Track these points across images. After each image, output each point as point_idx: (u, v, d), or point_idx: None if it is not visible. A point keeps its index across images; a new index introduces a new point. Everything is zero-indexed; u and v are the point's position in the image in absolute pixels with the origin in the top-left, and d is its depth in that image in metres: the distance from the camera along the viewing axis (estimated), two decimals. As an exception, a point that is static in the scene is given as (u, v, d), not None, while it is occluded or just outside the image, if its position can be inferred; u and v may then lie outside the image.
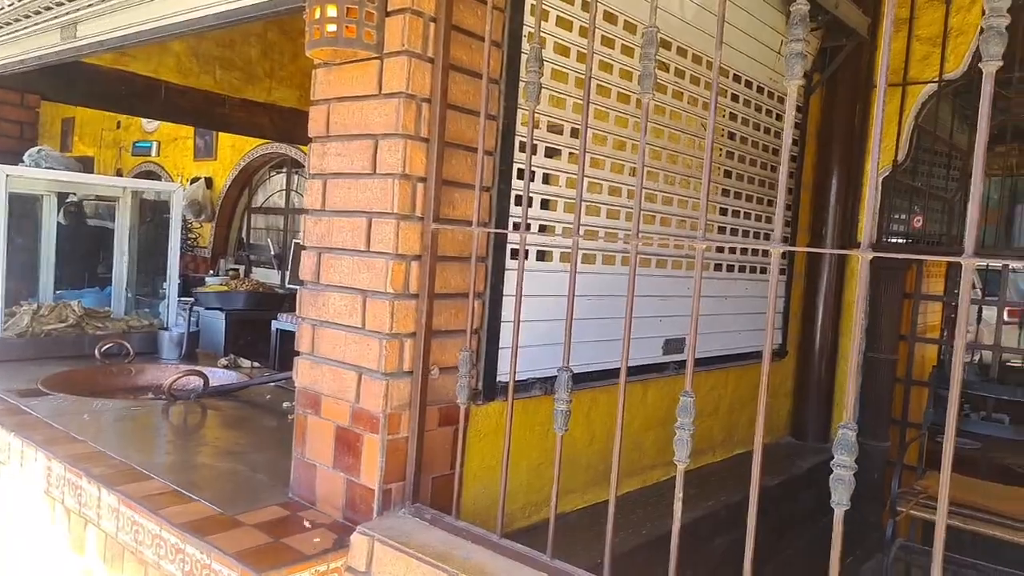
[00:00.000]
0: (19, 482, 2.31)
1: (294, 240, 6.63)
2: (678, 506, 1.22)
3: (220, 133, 6.92)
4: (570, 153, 2.08)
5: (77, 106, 6.11)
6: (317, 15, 1.63)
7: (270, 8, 2.15)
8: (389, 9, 1.63)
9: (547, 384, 2.02)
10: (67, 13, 2.78)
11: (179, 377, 2.92)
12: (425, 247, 1.68)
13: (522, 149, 1.92)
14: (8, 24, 2.94)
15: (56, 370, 3.21)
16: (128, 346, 3.48)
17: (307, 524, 1.71)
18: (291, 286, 6.44)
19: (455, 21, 1.68)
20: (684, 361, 2.63)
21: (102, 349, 3.43)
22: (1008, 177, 6.84)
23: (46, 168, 3.65)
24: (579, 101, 2.06)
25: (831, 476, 1.07)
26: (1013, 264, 5.10)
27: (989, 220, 8.14)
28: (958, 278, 4.83)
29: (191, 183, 7.07)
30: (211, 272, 6.91)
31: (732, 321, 2.82)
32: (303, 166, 6.43)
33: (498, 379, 1.90)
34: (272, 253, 6.78)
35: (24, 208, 3.82)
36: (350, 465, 1.71)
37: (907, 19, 3.40)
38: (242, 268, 7.02)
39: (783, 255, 1.11)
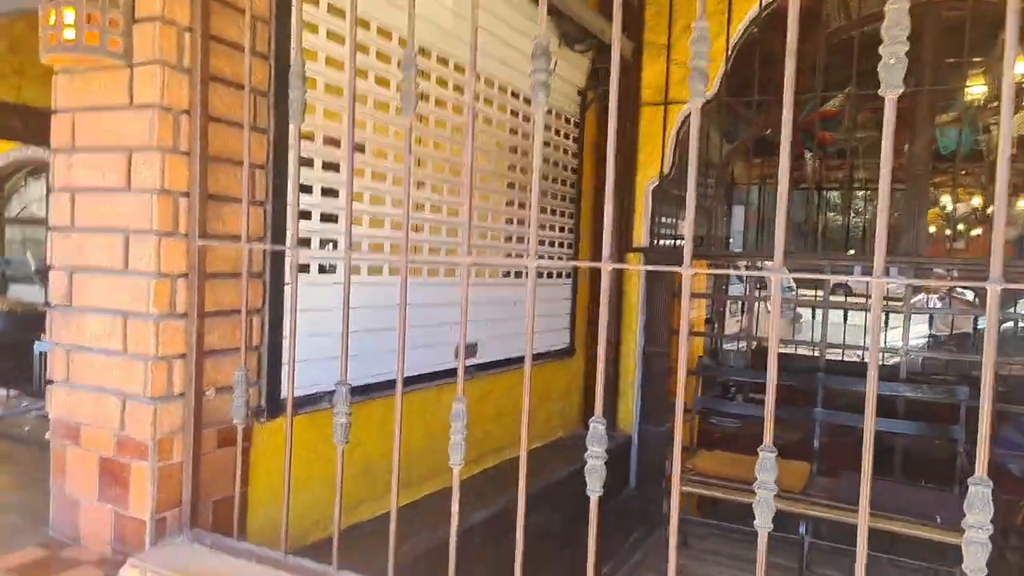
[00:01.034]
0: None
1: (63, 253, 5.98)
2: (455, 507, 1.30)
3: (-37, 134, 6.06)
4: (356, 168, 2.10)
5: None
6: (52, 20, 1.52)
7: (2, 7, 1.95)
8: (137, 17, 1.56)
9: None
10: None
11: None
12: (192, 265, 1.63)
13: (302, 163, 1.91)
14: None
15: None
16: None
17: (70, 562, 1.59)
18: (61, 304, 5.80)
19: (215, 32, 1.64)
20: (480, 364, 2.77)
21: None
22: (764, 184, 7.79)
23: None
24: (358, 116, 2.09)
25: (585, 467, 1.19)
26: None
27: (751, 224, 9.25)
28: (724, 279, 5.40)
29: (-72, 190, 6.12)
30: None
31: (519, 325, 2.99)
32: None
33: (282, 395, 1.88)
34: (32, 268, 6.05)
35: None
36: (118, 496, 1.61)
37: (665, 46, 3.79)
38: (-3, 286, 6.20)
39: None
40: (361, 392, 2.13)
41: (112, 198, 1.62)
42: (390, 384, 2.24)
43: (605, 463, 1.21)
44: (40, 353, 4.78)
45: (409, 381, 2.31)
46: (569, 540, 3.11)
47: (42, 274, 6.08)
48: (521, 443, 1.25)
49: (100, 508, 1.65)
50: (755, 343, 5.23)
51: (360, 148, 2.17)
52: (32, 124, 4.74)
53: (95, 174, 1.64)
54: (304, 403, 1.95)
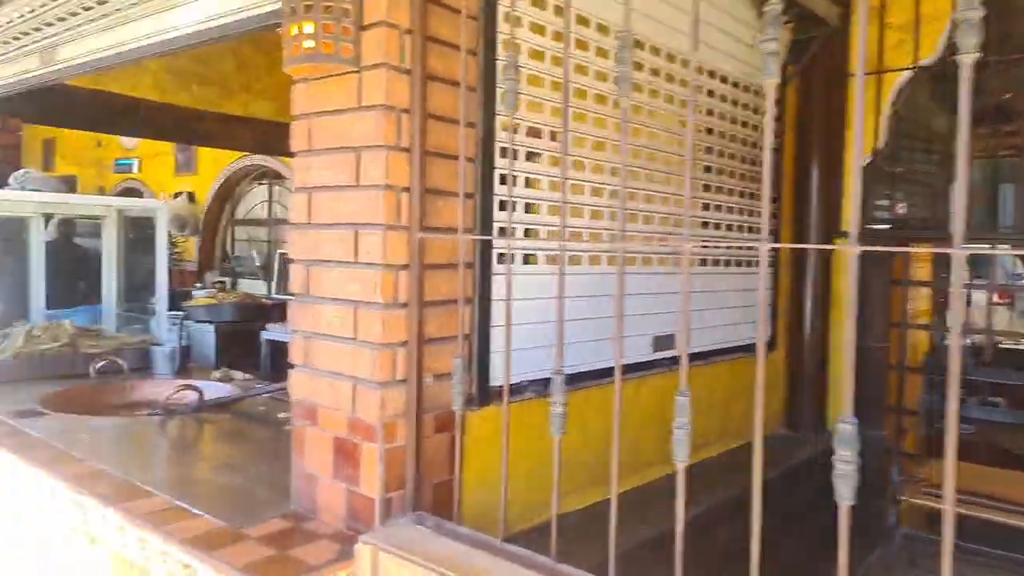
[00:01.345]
0: (25, 503, 2.32)
1: (279, 251, 6.64)
2: (680, 504, 1.25)
3: (200, 148, 6.91)
4: (551, 156, 2.11)
5: (59, 127, 6.08)
6: (294, 32, 1.65)
7: (238, 29, 2.17)
8: (365, 23, 1.65)
9: (540, 386, 2.06)
10: (46, 38, 2.78)
11: (175, 392, 2.93)
12: (412, 256, 1.71)
13: (503, 155, 1.95)
14: (-14, 49, 2.94)
15: (52, 390, 3.22)
16: (122, 363, 3.49)
17: (310, 535, 1.73)
18: (278, 296, 6.45)
19: (430, 32, 1.71)
20: (675, 358, 2.69)
21: (97, 367, 3.43)
22: (991, 158, 6.90)
23: (31, 190, 3.64)
24: (557, 105, 2.10)
25: (833, 472, 1.06)
26: (1000, 251, 5.16)
27: (975, 202, 8.23)
28: (947, 264, 4.90)
29: (174, 198, 7.05)
30: (197, 285, 6.89)
31: (720, 315, 2.86)
32: (284, 177, 6.44)
33: (491, 383, 1.93)
34: (257, 264, 6.77)
35: (11, 230, 3.82)
36: (350, 475, 1.73)
37: (878, 7, 3.45)
38: (228, 280, 7.02)
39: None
40: (564, 382, 2.14)
41: (343, 195, 1.74)
42: (586, 376, 2.23)
43: (855, 468, 1.07)
44: (266, 340, 5.35)
45: (601, 373, 2.29)
46: (775, 551, 2.94)
47: (265, 269, 6.80)
48: (755, 440, 1.17)
49: (334, 486, 1.78)
50: (993, 338, 4.63)
51: (555, 137, 2.17)
52: (258, 135, 5.28)
53: (329, 174, 1.77)
54: (511, 392, 1.99)
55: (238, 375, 3.65)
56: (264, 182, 6.84)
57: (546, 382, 2.10)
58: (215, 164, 6.83)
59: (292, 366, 1.90)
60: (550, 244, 2.08)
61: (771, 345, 3.33)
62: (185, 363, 3.78)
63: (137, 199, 6.39)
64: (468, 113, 1.84)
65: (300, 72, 1.75)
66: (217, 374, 3.62)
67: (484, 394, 1.91)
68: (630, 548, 2.15)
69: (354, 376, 1.73)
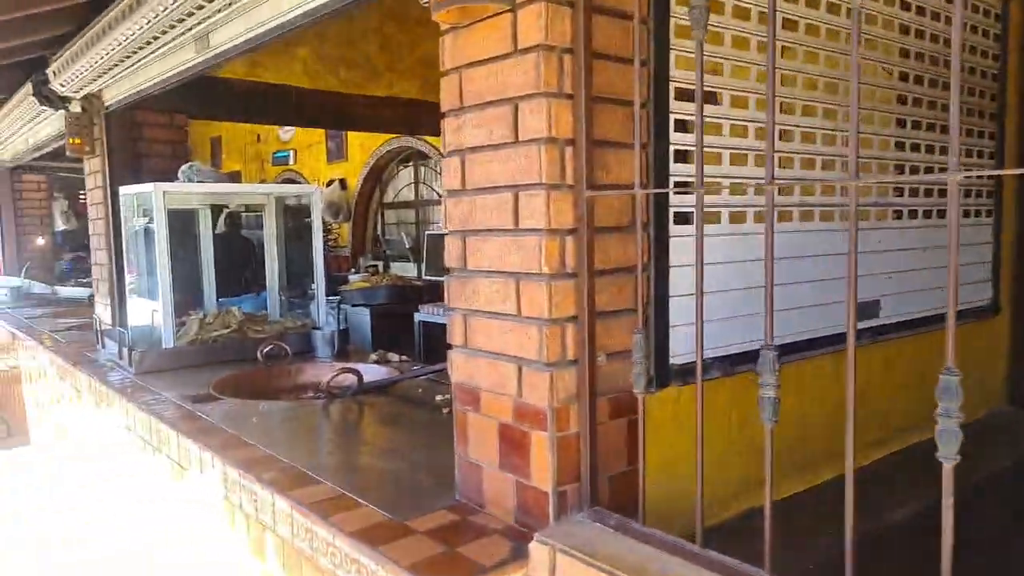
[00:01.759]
0: (200, 487, 2.37)
1: (427, 232, 6.67)
2: (948, 516, 0.95)
3: (349, 135, 7.08)
4: (732, 96, 1.81)
5: (218, 120, 6.43)
6: (442, -28, 1.46)
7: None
8: (519, -48, 1.44)
9: (726, 364, 1.78)
10: (198, 23, 2.81)
11: (335, 376, 2.92)
12: (580, 219, 1.49)
13: (678, 97, 1.68)
14: (148, 44, 3.03)
15: (223, 374, 3.34)
16: (286, 347, 3.56)
17: (479, 530, 1.58)
18: (428, 277, 6.48)
19: (594, -45, 1.46)
20: (879, 327, 2.30)
21: (263, 351, 3.52)
22: None
23: (197, 182, 3.79)
24: (740, 34, 1.79)
25: None
26: None
27: None
28: None
29: (327, 185, 7.29)
30: (352, 270, 7.10)
31: (932, 277, 2.43)
32: (429, 158, 6.45)
33: (671, 361, 1.68)
34: (407, 247, 6.85)
35: (182, 223, 4.01)
36: (518, 465, 1.55)
37: None
38: (380, 264, 7.17)
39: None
40: (746, 360, 1.85)
41: (499, 154, 1.55)
42: (785, 349, 1.92)
43: None
44: (419, 322, 5.37)
45: (800, 347, 1.97)
46: (1006, 550, 2.48)
47: (414, 251, 6.87)
48: None
49: (501, 476, 1.62)
50: None
51: (738, 74, 1.85)
52: (401, 114, 5.28)
53: (482, 132, 1.58)
54: (692, 371, 1.73)
55: (394, 357, 3.63)
56: (409, 164, 6.89)
57: (732, 359, 1.82)
58: (363, 150, 6.97)
59: (450, 346, 1.75)
60: (735, 199, 1.78)
61: (993, 309, 2.81)
62: (344, 346, 3.81)
63: (291, 185, 6.63)
64: (640, 48, 1.58)
65: (449, 18, 1.56)
66: (374, 356, 3.61)
67: (663, 374, 1.67)
68: (838, 552, 1.84)
69: (519, 357, 1.54)
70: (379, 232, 7.31)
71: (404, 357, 3.66)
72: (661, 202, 1.64)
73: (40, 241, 7.77)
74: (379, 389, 3.02)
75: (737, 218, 1.83)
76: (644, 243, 1.62)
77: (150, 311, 3.77)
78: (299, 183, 7.91)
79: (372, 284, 6.09)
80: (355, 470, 2.07)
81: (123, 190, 3.84)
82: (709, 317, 1.74)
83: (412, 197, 6.94)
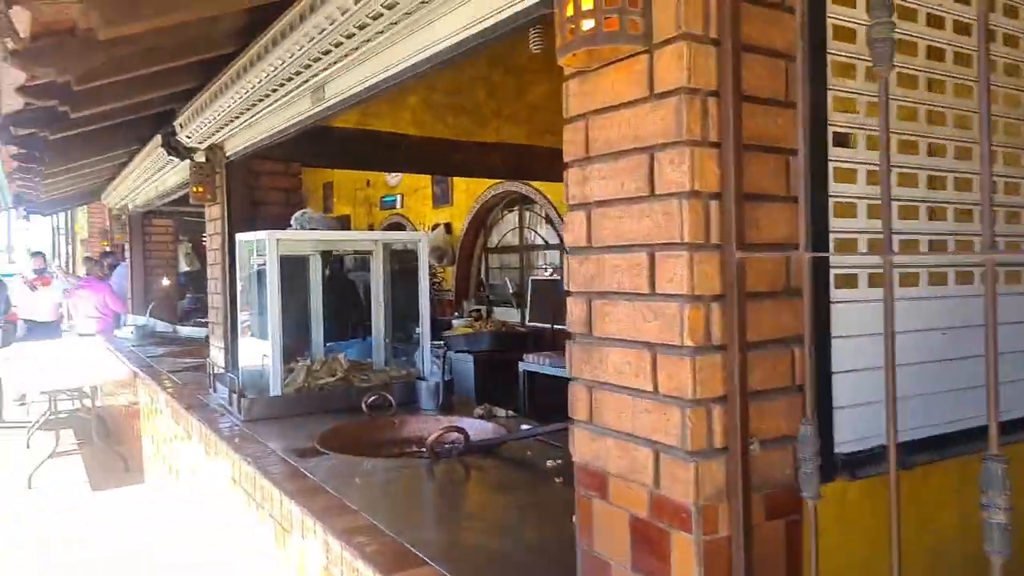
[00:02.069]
0: (303, 553, 2.27)
1: (531, 277, 6.56)
2: None
3: (454, 180, 7.13)
4: (901, 141, 1.57)
5: (331, 168, 6.61)
6: (570, 11, 1.33)
7: (502, 28, 1.91)
8: (658, -13, 1.28)
9: (900, 453, 1.50)
10: (314, 75, 2.82)
11: (440, 435, 2.78)
12: (728, 283, 1.28)
13: (836, 143, 1.46)
14: (267, 96, 3.07)
15: (328, 425, 3.28)
16: (390, 398, 3.48)
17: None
18: (532, 324, 6.35)
19: (744, -14, 1.28)
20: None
21: (368, 402, 3.45)
22: None
23: (309, 229, 3.82)
24: (904, 71, 1.55)
25: None
26: None
27: None
28: None
29: (432, 230, 7.34)
30: (455, 314, 7.06)
31: None
32: (534, 202, 6.36)
33: (835, 451, 1.43)
34: (510, 292, 6.76)
35: (293, 269, 4.06)
36: (655, 570, 1.34)
37: None
38: (483, 308, 7.11)
39: None
40: (924, 448, 1.57)
41: (632, 209, 1.37)
42: (972, 435, 1.62)
43: None
44: (524, 372, 5.23)
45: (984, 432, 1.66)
46: None
47: (518, 296, 6.77)
48: None
49: (633, 576, 1.40)
50: None
51: (906, 115, 1.61)
52: (510, 160, 5.23)
53: (612, 184, 1.42)
54: (862, 462, 1.47)
55: (500, 412, 3.47)
56: (514, 209, 6.84)
57: (908, 447, 1.54)
58: (468, 194, 6.99)
59: (573, 420, 1.57)
60: (906, 258, 1.53)
61: None
62: (448, 397, 3.69)
63: (400, 232, 6.71)
64: (789, 90, 1.38)
65: (575, 62, 1.42)
66: (479, 411, 3.47)
67: (826, 466, 1.41)
68: None
69: (655, 441, 1.34)
70: (483, 276, 7.26)
71: (511, 412, 3.50)
72: (821, 265, 1.42)
73: (165, 282, 8.21)
74: (485, 449, 2.87)
75: (909, 280, 1.57)
76: (799, 312, 1.40)
77: (260, 354, 3.80)
78: (405, 227, 8.03)
79: (476, 330, 6.03)
80: (462, 550, 1.91)
81: (239, 237, 3.92)
82: (876, 397, 1.48)
83: (516, 242, 6.86)
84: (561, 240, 6.09)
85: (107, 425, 6.69)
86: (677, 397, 1.30)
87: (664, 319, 1.32)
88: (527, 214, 6.67)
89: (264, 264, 3.89)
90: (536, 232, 6.65)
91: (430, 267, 7.29)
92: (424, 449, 2.81)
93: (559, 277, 6.25)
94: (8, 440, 6.89)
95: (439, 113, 4.93)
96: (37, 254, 10.30)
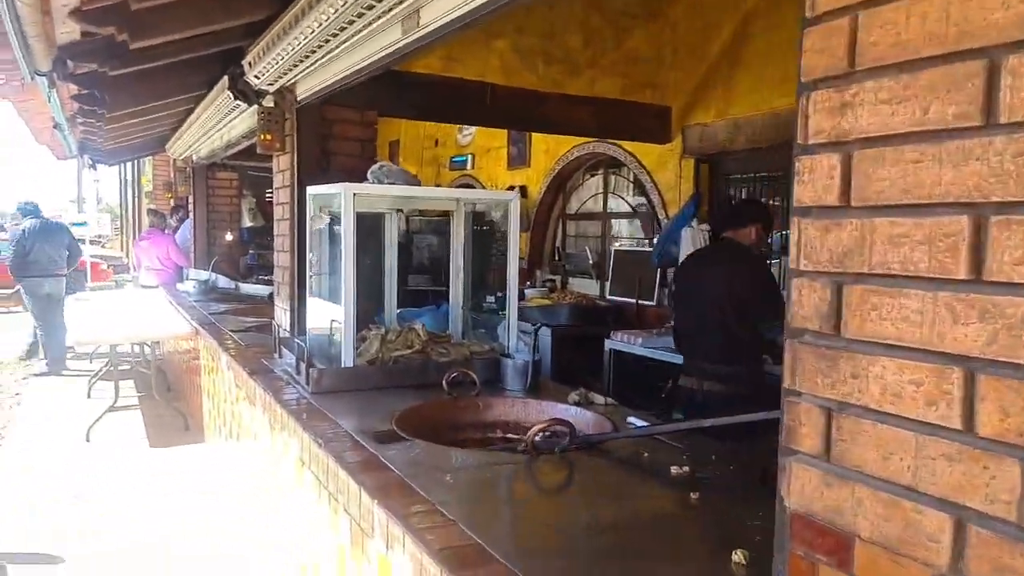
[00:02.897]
0: (387, 564, 1.89)
1: (612, 247, 6.07)
2: None
3: (534, 139, 6.64)
4: None
5: (410, 118, 6.20)
6: None
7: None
8: None
9: None
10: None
11: (544, 428, 2.36)
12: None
13: None
14: (350, 24, 2.64)
15: (405, 403, 2.91)
16: (475, 376, 3.08)
17: None
18: (612, 298, 5.88)
19: None
20: None
21: (449, 379, 3.07)
22: None
23: (388, 184, 3.42)
24: None
25: None
26: None
27: None
28: None
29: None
30: (528, 284, 6.63)
31: None
32: (622, 165, 5.84)
33: None
34: (590, 262, 6.28)
35: (367, 227, 3.67)
36: None
37: None
38: (558, 279, 6.65)
39: None
40: None
41: (943, 149, 0.89)
42: None
43: None
44: (610, 351, 4.77)
45: None
46: None
47: (597, 267, 6.29)
48: None
49: None
50: None
51: None
52: (602, 117, 4.72)
53: (903, 111, 0.94)
54: None
55: (598, 399, 3.04)
56: (598, 172, 6.32)
57: None
58: (548, 156, 6.49)
59: (788, 450, 1.12)
60: None
61: None
62: (536, 380, 3.27)
63: (489, 191, 6.25)
64: None
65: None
66: (574, 396, 3.04)
67: None
68: None
69: (959, 504, 0.88)
70: (559, 245, 6.79)
71: (610, 399, 3.06)
72: None
73: (228, 237, 8.00)
74: (591, 445, 2.44)
75: None
76: None
77: (329, 319, 3.44)
78: (474, 188, 7.59)
79: (553, 302, 5.59)
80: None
81: (310, 190, 3.54)
82: None
83: (598, 209, 6.36)
84: (651, 206, 5.57)
85: (167, 379, 6.52)
86: (1013, 445, 0.83)
87: (997, 322, 0.84)
88: (612, 178, 6.15)
89: (337, 220, 3.52)
90: (622, 198, 6.13)
91: (502, 233, 6.88)
92: (519, 440, 2.41)
93: (646, 247, 5.74)
94: (70, 388, 6.80)
95: (529, 60, 4.44)
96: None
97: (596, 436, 2.44)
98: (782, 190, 4.71)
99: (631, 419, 2.74)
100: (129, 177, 18.05)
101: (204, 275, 7.07)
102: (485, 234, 4.70)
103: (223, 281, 7.17)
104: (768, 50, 4.53)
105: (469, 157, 7.71)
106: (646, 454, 2.36)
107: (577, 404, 2.99)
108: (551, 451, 2.36)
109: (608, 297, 5.88)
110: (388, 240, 3.77)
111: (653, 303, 5.39)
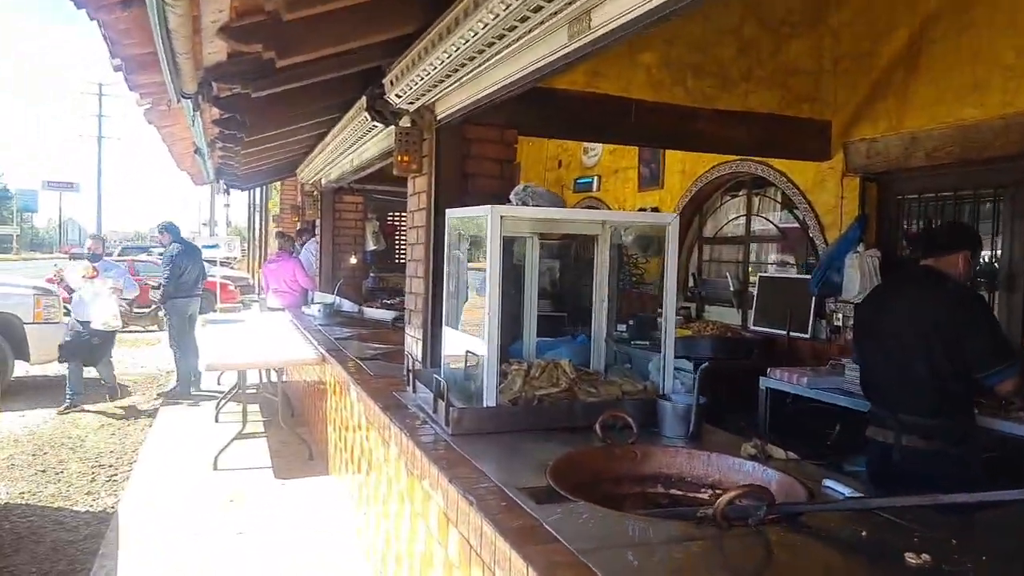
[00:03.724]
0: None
1: (759, 274, 5.56)
2: None
3: (668, 159, 6.26)
4: None
5: (550, 137, 5.98)
6: None
7: None
8: None
9: None
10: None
11: (739, 495, 1.98)
12: None
13: None
14: (511, 30, 2.39)
15: (552, 449, 2.61)
16: (630, 420, 2.73)
17: None
18: (756, 328, 5.37)
19: None
20: None
21: (602, 422, 2.74)
22: None
23: (534, 206, 3.15)
24: None
25: None
26: None
27: None
28: None
29: (636, 215, 6.51)
30: (659, 311, 6.21)
31: None
32: (770, 185, 5.36)
33: None
34: (731, 289, 5.80)
35: (509, 252, 3.43)
36: None
37: None
38: (692, 307, 6.20)
39: None
40: None
41: None
42: None
43: None
44: (766, 390, 4.29)
45: None
46: None
47: (738, 295, 5.80)
48: None
49: None
50: None
51: None
52: (756, 133, 4.29)
53: None
54: None
55: (778, 452, 2.61)
56: (739, 193, 5.85)
57: None
58: (684, 176, 6.09)
59: None
60: None
61: None
62: (699, 425, 2.88)
63: (646, 213, 5.88)
64: None
65: None
66: (750, 449, 2.63)
67: None
68: None
69: None
70: (694, 271, 6.35)
71: (791, 454, 2.63)
72: None
73: (353, 260, 8.03)
74: (790, 514, 2.04)
75: None
76: None
77: (462, 349, 3.20)
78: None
79: (694, 332, 5.15)
80: None
81: (451, 213, 3.33)
82: None
83: (739, 232, 5.88)
84: (804, 229, 5.05)
85: (290, 404, 6.53)
86: None
87: None
88: (756, 199, 5.66)
89: (471, 245, 3.30)
90: (768, 220, 5.63)
91: (632, 257, 6.50)
92: (689, 500, 2.04)
93: (796, 274, 5.22)
94: (199, 411, 6.95)
95: (677, 74, 4.09)
96: (95, 237, 8.45)
97: (802, 507, 2.03)
98: (972, 212, 4.11)
99: (828, 483, 2.30)
100: (257, 201, 18.95)
101: (329, 298, 7.08)
102: (620, 260, 4.36)
103: (347, 305, 7.17)
104: (953, 55, 3.98)
105: (595, 179, 7.40)
106: (864, 532, 1.93)
107: (753, 458, 2.59)
108: (743, 522, 1.98)
109: (752, 328, 5.38)
110: (529, 266, 3.51)
111: (807, 336, 4.86)
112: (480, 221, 3.11)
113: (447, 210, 3.38)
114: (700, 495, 2.60)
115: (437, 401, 2.99)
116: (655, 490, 2.64)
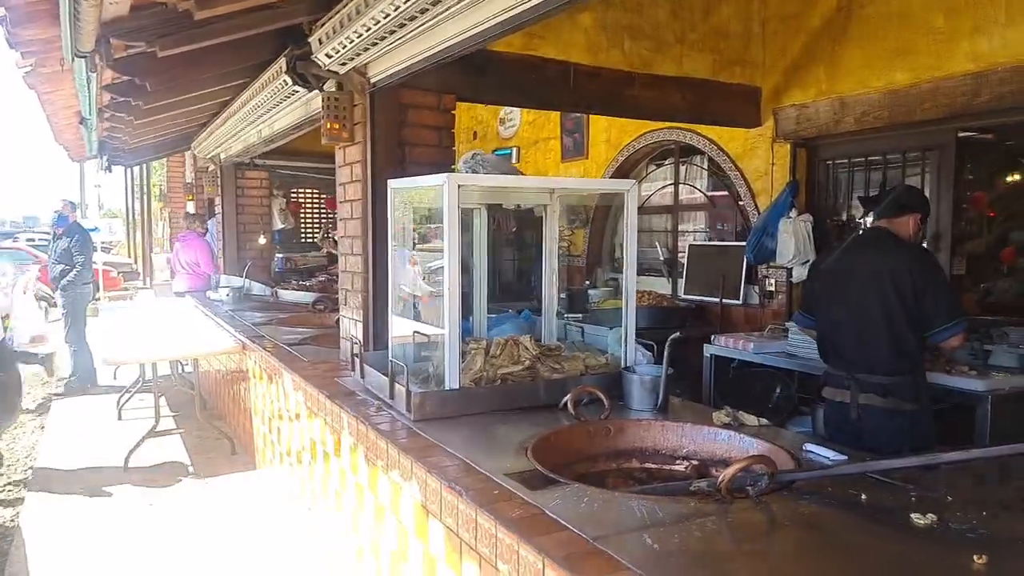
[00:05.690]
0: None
1: (688, 242, 5.61)
2: None
3: (592, 128, 6.18)
4: None
5: (488, 103, 5.74)
6: None
7: None
8: None
9: None
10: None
11: (742, 468, 1.91)
12: None
13: None
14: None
15: (522, 430, 2.49)
16: (602, 396, 2.63)
17: None
18: (687, 297, 5.42)
19: None
20: None
21: (572, 400, 2.62)
22: None
23: (485, 174, 2.97)
24: None
25: None
26: None
27: None
28: None
29: (559, 186, 6.42)
30: (588, 284, 6.18)
31: None
32: (698, 152, 5.38)
33: None
34: (661, 259, 5.82)
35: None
36: None
37: None
38: (620, 277, 6.20)
39: None
40: None
41: None
42: None
43: None
44: (711, 357, 4.30)
45: None
46: None
47: (669, 264, 5.83)
48: None
49: None
50: None
51: None
52: (690, 99, 4.26)
53: None
54: None
55: (749, 419, 2.59)
56: (666, 162, 5.86)
57: None
58: (609, 146, 6.04)
59: None
60: None
61: None
62: (667, 396, 2.82)
63: (604, 180, 5.70)
64: None
65: None
66: (723, 417, 2.60)
67: None
68: None
69: None
70: (621, 241, 6.33)
71: (763, 420, 2.62)
72: None
73: (261, 240, 7.54)
74: (785, 485, 1.99)
75: None
76: None
77: (407, 330, 3.01)
78: (521, 184, 7.12)
79: (629, 303, 5.12)
80: None
81: (393, 183, 3.09)
82: None
83: (667, 201, 5.90)
84: (734, 196, 5.10)
85: (202, 397, 6.07)
86: None
87: None
88: (683, 167, 5.68)
89: (421, 219, 3.09)
90: (696, 188, 5.67)
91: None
92: (713, 487, 1.96)
93: (726, 242, 5.27)
94: (97, 408, 6.35)
95: (614, 36, 3.99)
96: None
97: (804, 475, 1.99)
98: (900, 175, 4.25)
99: (810, 447, 2.28)
100: (137, 181, 17.54)
101: (238, 281, 6.62)
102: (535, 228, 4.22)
103: (257, 288, 6.72)
104: (883, 19, 4.06)
105: (514, 150, 7.25)
106: (863, 496, 1.91)
107: (727, 427, 2.55)
108: (743, 494, 1.91)
109: (683, 296, 5.42)
110: (477, 239, 3.32)
111: (740, 302, 4.93)
112: (427, 192, 2.91)
113: (389, 181, 3.14)
114: (676, 467, 2.55)
115: (394, 385, 2.79)
116: (630, 465, 2.56)
